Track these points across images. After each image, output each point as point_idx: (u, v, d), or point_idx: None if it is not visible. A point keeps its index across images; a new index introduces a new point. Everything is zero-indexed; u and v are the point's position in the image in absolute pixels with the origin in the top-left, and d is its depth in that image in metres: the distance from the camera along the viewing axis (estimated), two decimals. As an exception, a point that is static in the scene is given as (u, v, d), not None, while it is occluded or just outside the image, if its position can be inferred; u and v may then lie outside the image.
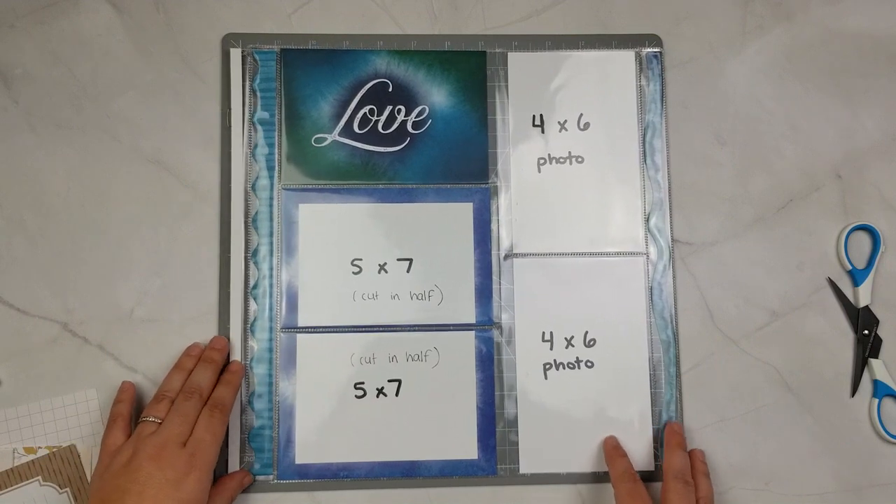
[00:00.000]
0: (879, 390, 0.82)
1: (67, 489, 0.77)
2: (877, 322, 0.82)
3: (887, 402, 0.82)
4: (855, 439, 0.82)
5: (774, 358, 0.82)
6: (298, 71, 0.83)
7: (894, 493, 0.81)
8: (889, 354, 0.83)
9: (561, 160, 0.84)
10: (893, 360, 0.83)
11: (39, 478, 0.77)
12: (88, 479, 0.77)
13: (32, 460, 0.77)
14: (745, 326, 0.83)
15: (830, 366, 0.83)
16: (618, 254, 0.83)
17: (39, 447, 0.77)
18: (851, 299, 0.83)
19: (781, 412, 0.82)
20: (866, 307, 0.83)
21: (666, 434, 0.79)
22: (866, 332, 0.82)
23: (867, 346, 0.82)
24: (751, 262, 0.83)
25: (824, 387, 0.82)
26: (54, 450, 0.77)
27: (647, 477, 0.80)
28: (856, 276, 0.83)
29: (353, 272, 0.81)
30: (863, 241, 0.84)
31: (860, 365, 0.82)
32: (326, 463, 0.79)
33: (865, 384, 0.82)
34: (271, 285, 0.80)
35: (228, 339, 0.79)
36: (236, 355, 0.79)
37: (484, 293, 0.81)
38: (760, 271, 0.83)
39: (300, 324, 0.80)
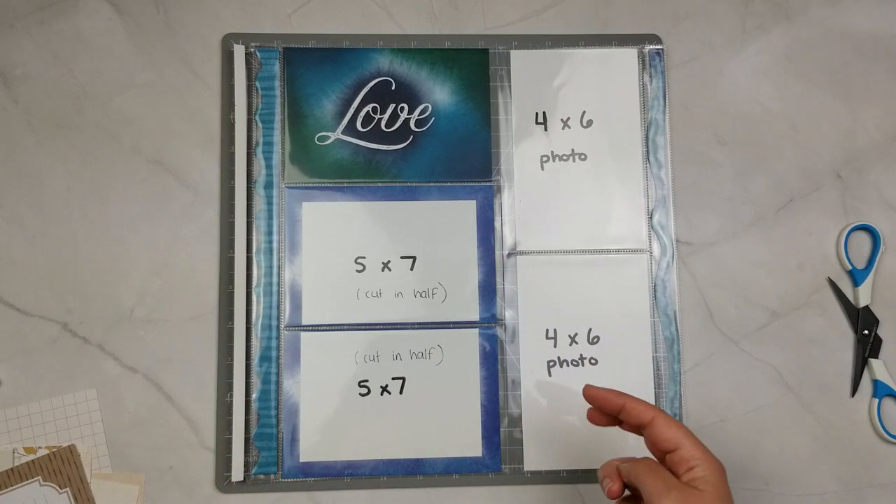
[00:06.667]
0: (879, 390, 0.82)
1: (67, 489, 0.76)
2: (877, 322, 0.83)
3: (887, 402, 0.82)
4: (855, 439, 0.82)
5: (774, 358, 0.83)
6: (301, 69, 0.83)
7: (894, 493, 0.81)
8: (889, 354, 0.83)
9: (564, 157, 0.84)
10: (893, 360, 0.83)
11: (39, 478, 0.76)
12: (89, 478, 0.77)
13: (32, 460, 0.77)
14: (745, 326, 0.83)
15: (830, 366, 0.83)
16: (621, 251, 0.83)
17: (39, 447, 0.77)
18: (851, 299, 0.83)
19: (781, 412, 0.82)
20: (866, 307, 0.83)
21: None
22: (866, 332, 0.83)
23: (867, 346, 0.82)
24: (751, 262, 0.84)
25: (824, 387, 0.82)
26: (54, 450, 0.77)
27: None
28: (856, 276, 0.83)
29: (357, 270, 0.81)
30: (863, 241, 0.84)
31: (860, 365, 0.82)
32: (331, 461, 0.79)
33: (865, 384, 0.83)
34: (274, 283, 0.80)
35: (232, 336, 0.79)
36: (240, 354, 0.79)
37: (487, 291, 0.81)
38: (760, 271, 0.83)
39: (304, 322, 0.80)
